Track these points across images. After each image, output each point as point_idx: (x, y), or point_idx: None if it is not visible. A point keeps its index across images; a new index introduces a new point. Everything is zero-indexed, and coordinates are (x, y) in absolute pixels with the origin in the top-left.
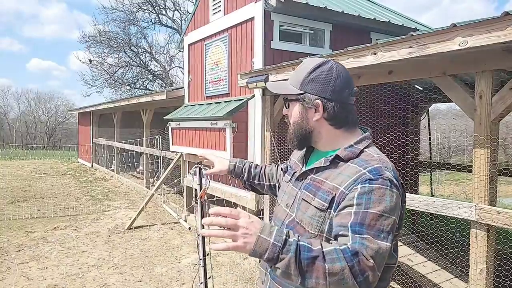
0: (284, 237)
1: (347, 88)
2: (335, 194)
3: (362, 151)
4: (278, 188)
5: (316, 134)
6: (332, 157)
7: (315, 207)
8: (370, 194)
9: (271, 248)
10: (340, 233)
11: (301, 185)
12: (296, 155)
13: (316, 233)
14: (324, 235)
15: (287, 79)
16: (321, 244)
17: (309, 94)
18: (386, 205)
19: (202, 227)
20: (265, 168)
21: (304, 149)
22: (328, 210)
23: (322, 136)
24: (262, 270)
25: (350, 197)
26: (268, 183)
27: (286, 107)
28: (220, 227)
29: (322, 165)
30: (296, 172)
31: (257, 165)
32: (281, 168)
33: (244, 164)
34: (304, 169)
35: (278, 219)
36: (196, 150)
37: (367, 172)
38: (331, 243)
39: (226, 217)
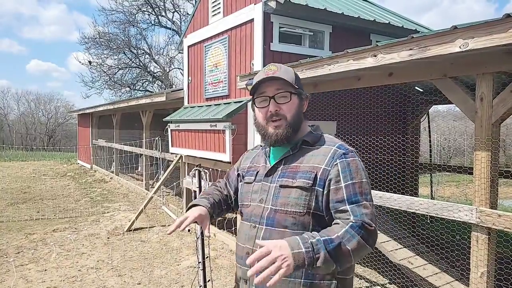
0: (309, 241)
1: None
2: (317, 172)
3: (321, 135)
4: (235, 200)
5: (302, 125)
6: (300, 143)
7: (300, 187)
8: (349, 167)
9: (306, 256)
10: (340, 208)
11: (272, 178)
12: (248, 160)
13: (304, 211)
14: (312, 211)
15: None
16: (334, 229)
17: (301, 89)
18: (362, 173)
19: (201, 230)
20: (218, 193)
21: (258, 150)
22: (313, 187)
23: (301, 127)
24: (243, 268)
25: (334, 173)
26: (228, 202)
27: (276, 101)
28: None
29: (291, 153)
30: (259, 171)
31: (209, 195)
32: (238, 175)
33: (209, 199)
34: (269, 165)
35: (254, 215)
36: (195, 152)
37: (338, 148)
38: (337, 223)
39: (261, 259)
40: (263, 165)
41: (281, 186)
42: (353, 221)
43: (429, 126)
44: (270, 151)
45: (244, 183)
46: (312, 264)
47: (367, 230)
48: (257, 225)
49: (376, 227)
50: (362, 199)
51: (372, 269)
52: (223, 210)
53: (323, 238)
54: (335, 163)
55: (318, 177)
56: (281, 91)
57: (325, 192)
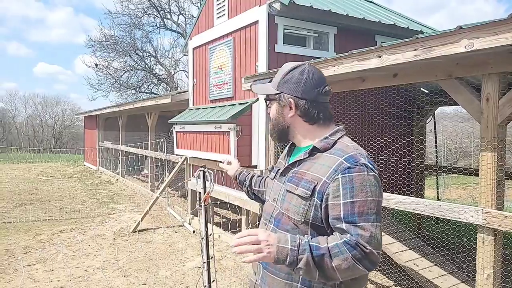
0: (297, 241)
1: (317, 87)
2: (317, 184)
3: (336, 142)
4: None
5: (292, 129)
6: (310, 149)
7: (299, 195)
8: (352, 183)
9: (290, 253)
10: (336, 226)
11: (284, 179)
12: (282, 155)
13: (302, 220)
14: (310, 221)
15: (271, 81)
16: (327, 240)
17: (283, 94)
18: (367, 190)
19: (206, 231)
20: (266, 177)
21: (287, 148)
22: (312, 197)
23: (298, 131)
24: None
25: (333, 188)
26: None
27: (267, 106)
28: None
29: (302, 158)
30: (280, 169)
31: (260, 175)
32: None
33: (249, 173)
34: (285, 164)
35: (267, 213)
36: (200, 154)
37: (344, 160)
38: (334, 234)
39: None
40: (283, 163)
41: (287, 191)
42: (348, 238)
43: (435, 128)
44: (293, 150)
45: (269, 177)
46: (295, 264)
47: (361, 251)
48: (267, 223)
49: (376, 250)
50: (360, 219)
51: (377, 271)
52: (255, 191)
53: (312, 243)
54: (336, 177)
55: (317, 189)
56: (266, 96)
57: (323, 205)
